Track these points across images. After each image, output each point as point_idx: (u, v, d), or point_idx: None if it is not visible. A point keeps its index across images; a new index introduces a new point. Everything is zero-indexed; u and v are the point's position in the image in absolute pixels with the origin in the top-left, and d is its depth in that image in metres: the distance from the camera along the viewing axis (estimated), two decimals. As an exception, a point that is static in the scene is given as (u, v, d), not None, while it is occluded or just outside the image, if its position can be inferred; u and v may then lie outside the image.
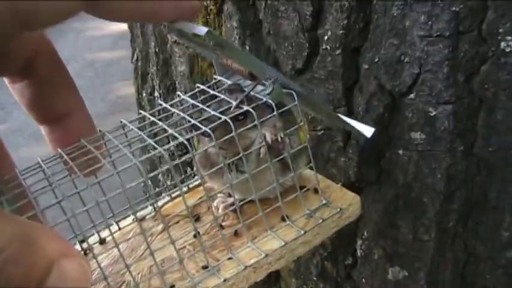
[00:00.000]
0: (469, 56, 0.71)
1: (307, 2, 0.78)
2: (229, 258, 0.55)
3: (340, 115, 0.60)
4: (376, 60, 0.76)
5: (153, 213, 0.67)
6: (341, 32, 0.76)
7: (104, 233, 0.63)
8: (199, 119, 0.54)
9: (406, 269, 0.84)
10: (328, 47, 0.78)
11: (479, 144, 0.75)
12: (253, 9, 0.86)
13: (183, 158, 0.61)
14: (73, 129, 0.54)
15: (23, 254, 0.36)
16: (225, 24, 0.87)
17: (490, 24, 0.69)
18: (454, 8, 0.68)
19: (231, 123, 0.51)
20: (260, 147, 0.57)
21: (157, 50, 1.09)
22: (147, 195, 0.66)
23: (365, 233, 0.85)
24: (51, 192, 0.51)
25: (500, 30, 0.68)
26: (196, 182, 0.70)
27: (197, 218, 0.64)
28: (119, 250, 0.50)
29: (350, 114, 0.79)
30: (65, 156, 0.51)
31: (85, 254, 0.59)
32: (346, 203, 0.61)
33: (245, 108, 0.54)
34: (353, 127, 0.61)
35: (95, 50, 4.72)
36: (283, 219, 0.60)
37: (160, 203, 0.68)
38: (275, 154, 0.57)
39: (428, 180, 0.77)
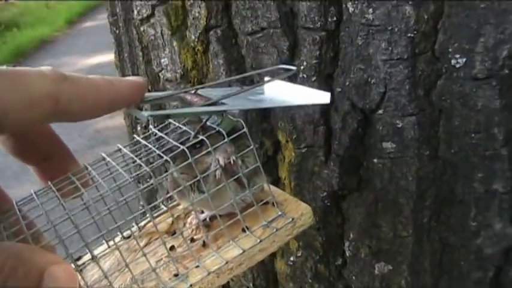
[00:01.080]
0: (426, 74, 0.82)
1: (284, 38, 0.88)
2: (197, 266, 0.62)
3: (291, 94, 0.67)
4: (347, 83, 0.87)
5: (137, 232, 0.76)
6: (315, 61, 0.87)
7: (96, 251, 0.71)
8: (163, 149, 0.64)
9: (390, 264, 0.94)
10: (305, 75, 0.88)
11: (443, 148, 0.86)
12: (236, 47, 0.96)
13: (147, 186, 0.72)
14: (58, 166, 0.62)
15: (18, 268, 0.46)
16: (212, 61, 0.97)
17: (441, 45, 0.80)
18: (409, 34, 0.80)
19: (187, 152, 0.60)
20: (216, 170, 0.65)
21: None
22: (133, 215, 0.73)
23: (351, 235, 0.95)
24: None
25: (450, 50, 0.80)
26: (175, 203, 0.79)
27: (173, 233, 0.73)
28: (101, 268, 0.59)
29: (329, 132, 0.90)
30: (54, 189, 0.59)
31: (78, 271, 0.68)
32: (298, 213, 0.67)
33: (200, 137, 0.63)
34: (309, 99, 0.67)
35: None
36: (243, 231, 0.66)
37: (143, 223, 0.76)
38: (230, 175, 0.65)
39: (401, 183, 0.88)
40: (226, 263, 0.61)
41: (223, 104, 0.63)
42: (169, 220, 0.75)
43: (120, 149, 0.68)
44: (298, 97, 0.66)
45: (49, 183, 0.60)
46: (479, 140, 0.83)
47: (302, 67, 0.88)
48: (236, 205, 0.65)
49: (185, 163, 0.60)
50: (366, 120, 0.87)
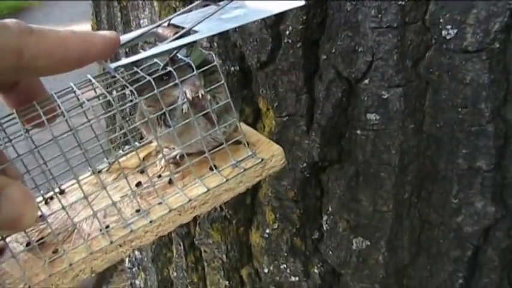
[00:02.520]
0: (415, 44, 0.80)
1: (269, 0, 0.86)
2: (159, 203, 0.62)
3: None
4: (333, 50, 0.85)
5: (107, 167, 0.75)
6: (301, 27, 0.84)
7: (65, 185, 0.71)
8: (131, 80, 0.62)
9: (368, 239, 0.94)
10: (290, 41, 0.86)
11: (428, 122, 0.85)
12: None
13: (107, 112, 0.69)
14: (26, 92, 0.60)
15: None
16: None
17: (432, 15, 0.79)
18: (400, 2, 0.78)
19: (153, 83, 0.57)
20: (183, 104, 0.63)
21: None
22: (103, 150, 0.74)
23: (329, 208, 0.94)
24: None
25: (441, 20, 0.78)
26: (147, 141, 0.77)
27: (142, 171, 0.72)
28: (60, 202, 0.58)
29: (312, 101, 0.88)
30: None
31: (46, 203, 0.68)
32: (269, 155, 0.66)
33: (168, 69, 0.61)
34: (284, 6, 0.64)
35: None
36: (211, 169, 0.65)
37: (113, 159, 0.75)
38: (199, 110, 0.63)
39: (384, 157, 0.86)
40: (189, 200, 0.61)
41: (195, 32, 0.60)
42: (141, 156, 0.74)
43: (90, 80, 0.65)
44: (273, 6, 0.63)
45: (14, 111, 0.59)
46: (466, 115, 0.82)
47: (287, 32, 0.85)
48: (206, 143, 0.64)
49: (150, 94, 0.58)
50: (351, 89, 0.86)
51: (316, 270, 1.01)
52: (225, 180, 0.63)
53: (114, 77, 0.64)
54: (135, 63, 0.62)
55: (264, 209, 0.99)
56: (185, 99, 0.62)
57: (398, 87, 0.82)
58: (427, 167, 0.88)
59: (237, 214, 1.02)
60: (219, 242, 1.06)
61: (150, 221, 0.60)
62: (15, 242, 0.62)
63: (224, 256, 1.07)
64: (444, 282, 0.95)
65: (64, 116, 0.58)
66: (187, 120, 0.62)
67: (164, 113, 0.61)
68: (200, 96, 0.63)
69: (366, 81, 0.84)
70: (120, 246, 0.59)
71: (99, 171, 0.74)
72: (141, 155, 0.76)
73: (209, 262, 1.11)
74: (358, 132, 0.87)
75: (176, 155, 0.73)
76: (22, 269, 0.56)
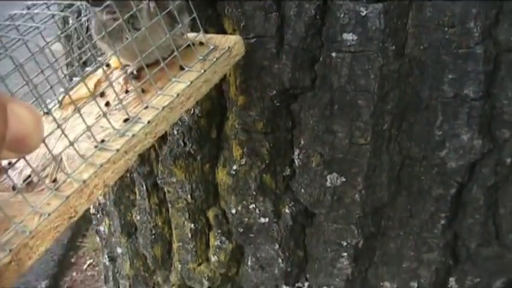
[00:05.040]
0: (397, -48, 0.73)
1: None
2: (146, 108, 0.66)
3: None
4: (306, -39, 0.77)
5: (56, 105, 0.76)
6: None
7: None
8: None
9: (343, 175, 0.88)
10: None
11: (411, 44, 0.78)
12: None
13: (66, 29, 0.68)
14: None
15: None
16: None
17: None
18: None
19: None
20: (149, 2, 0.66)
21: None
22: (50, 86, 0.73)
23: (302, 141, 0.88)
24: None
25: None
26: (91, 69, 0.81)
27: (102, 94, 0.74)
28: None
29: (282, 20, 0.81)
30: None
31: None
32: (231, 43, 0.74)
33: None
34: None
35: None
36: (181, 68, 0.72)
37: (61, 97, 0.77)
38: (162, 9, 0.67)
39: (361, 82, 0.80)
40: (177, 96, 0.67)
41: None
42: (91, 85, 0.76)
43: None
44: None
45: None
46: (453, 36, 0.75)
47: None
48: (165, 47, 0.70)
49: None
50: (326, 6, 0.78)
51: (287, 210, 0.95)
52: (202, 71, 0.70)
53: None
54: None
55: (231, 143, 0.93)
56: None
57: (378, 2, 0.75)
58: (408, 95, 0.81)
59: (202, 149, 0.95)
60: (183, 180, 0.99)
61: (148, 122, 0.64)
62: None
63: (189, 196, 1.01)
64: (425, 223, 0.90)
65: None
66: (155, 19, 0.66)
67: (131, 17, 0.64)
68: None
69: (343, -5, 0.76)
70: (126, 153, 0.62)
71: (48, 112, 0.71)
72: (91, 84, 0.78)
73: (173, 203, 1.05)
74: (333, 54, 0.80)
75: (133, 70, 0.76)
76: (29, 204, 0.56)
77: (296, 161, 0.91)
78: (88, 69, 0.81)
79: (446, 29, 0.75)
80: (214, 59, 0.71)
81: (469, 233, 0.89)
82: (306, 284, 1.02)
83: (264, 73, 0.84)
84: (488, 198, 0.86)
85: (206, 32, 0.84)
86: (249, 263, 1.04)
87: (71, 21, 0.71)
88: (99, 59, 0.83)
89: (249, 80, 0.86)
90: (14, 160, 0.63)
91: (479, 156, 0.82)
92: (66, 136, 0.59)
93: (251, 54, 0.83)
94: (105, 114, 0.63)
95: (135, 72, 0.76)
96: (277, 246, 0.98)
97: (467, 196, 0.87)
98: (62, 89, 0.76)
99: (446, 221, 0.89)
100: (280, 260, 1.00)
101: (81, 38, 0.86)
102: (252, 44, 0.83)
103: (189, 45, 0.73)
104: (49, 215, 0.55)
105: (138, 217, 1.14)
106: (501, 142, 0.81)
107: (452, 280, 0.95)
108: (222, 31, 0.85)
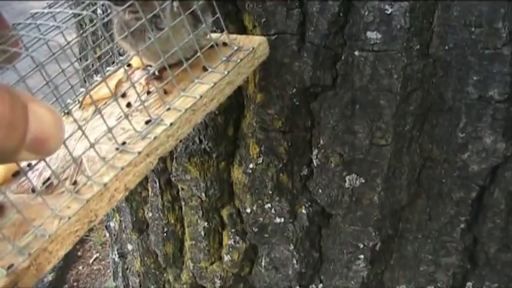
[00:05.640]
0: (424, -50, 0.71)
1: None
2: (168, 109, 0.66)
3: None
4: (331, -43, 0.75)
5: (77, 106, 0.76)
6: None
7: None
8: None
9: (363, 176, 0.87)
10: None
11: (435, 43, 0.76)
12: None
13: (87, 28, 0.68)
14: None
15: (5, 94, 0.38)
16: None
17: None
18: None
19: None
20: (173, 2, 0.65)
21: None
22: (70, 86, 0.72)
23: (321, 141, 0.87)
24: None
25: None
26: (112, 69, 0.81)
27: (123, 95, 0.74)
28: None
29: (304, 16, 0.79)
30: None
31: None
32: (256, 44, 0.73)
33: None
34: None
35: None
36: (204, 69, 0.71)
37: (81, 97, 0.76)
38: (186, 8, 0.66)
39: (384, 82, 0.78)
40: (200, 97, 0.66)
41: None
42: (112, 85, 0.76)
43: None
44: None
45: None
46: (479, 36, 0.74)
47: None
48: (188, 47, 0.70)
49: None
50: (349, 3, 0.77)
51: (304, 211, 0.94)
52: (226, 73, 0.69)
53: None
54: None
55: (248, 142, 0.91)
56: None
57: (404, 0, 0.73)
58: (432, 96, 0.80)
59: (218, 147, 0.94)
60: (197, 178, 0.98)
61: (171, 124, 0.63)
62: (14, 194, 0.63)
63: (203, 194, 0.99)
64: (444, 227, 0.89)
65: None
66: (178, 19, 0.65)
67: (154, 16, 0.63)
68: None
69: (367, -7, 0.75)
70: (147, 156, 0.62)
71: (68, 112, 0.72)
72: (112, 84, 0.77)
73: (187, 201, 1.04)
74: (356, 53, 0.78)
75: (155, 71, 0.75)
76: (49, 206, 0.56)
77: (314, 161, 0.89)
78: (109, 69, 0.81)
79: (472, 29, 0.73)
80: (238, 60, 0.70)
81: (489, 237, 0.88)
82: (320, 285, 1.01)
83: (284, 71, 0.83)
84: (510, 202, 0.84)
85: (226, 28, 0.83)
86: (263, 263, 1.03)
87: (88, 21, 0.70)
88: (121, 58, 0.82)
89: (268, 77, 0.84)
90: (33, 162, 0.62)
91: (502, 160, 0.81)
92: (87, 137, 0.59)
93: (271, 51, 0.82)
94: (127, 116, 0.62)
95: (156, 73, 0.75)
96: (292, 246, 0.97)
97: (488, 200, 0.85)
98: (82, 89, 0.76)
99: (466, 224, 0.87)
100: (294, 261, 0.98)
101: (98, 36, 0.86)
102: (273, 40, 0.81)
103: (212, 46, 0.72)
104: (69, 218, 0.55)
105: (150, 214, 1.13)
106: (525, 146, 0.80)
107: (469, 285, 0.94)
108: (242, 27, 0.84)
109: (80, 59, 0.99)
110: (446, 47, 0.76)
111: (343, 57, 0.80)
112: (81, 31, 0.67)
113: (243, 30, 0.84)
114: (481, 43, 0.74)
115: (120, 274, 1.37)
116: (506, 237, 0.87)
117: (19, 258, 0.52)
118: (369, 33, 0.76)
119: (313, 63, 0.81)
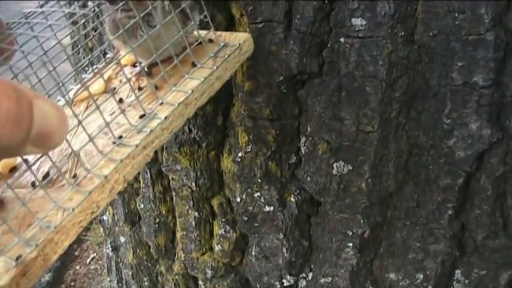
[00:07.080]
0: None
1: None
2: (161, 104, 0.68)
3: None
4: None
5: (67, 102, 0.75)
6: None
7: None
8: None
9: (350, 163, 0.88)
10: None
11: (420, 30, 0.77)
12: None
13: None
14: None
15: (10, 90, 0.40)
16: None
17: None
18: None
19: None
20: (164, 0, 0.67)
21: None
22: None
23: (308, 128, 0.88)
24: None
25: None
26: (101, 67, 0.82)
27: (114, 89, 0.76)
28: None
29: (290, 4, 0.80)
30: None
31: None
32: (241, 40, 0.76)
33: None
34: None
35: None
36: (193, 65, 0.73)
37: (71, 93, 0.78)
38: (176, 6, 0.69)
39: (370, 68, 0.79)
40: (192, 92, 0.68)
41: None
42: (101, 81, 0.77)
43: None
44: None
45: None
46: (463, 22, 0.75)
47: None
48: (177, 44, 0.72)
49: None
50: (335, -10, 0.78)
51: (292, 199, 0.95)
52: (215, 68, 0.71)
53: None
54: None
55: (237, 130, 0.92)
56: None
57: (388, -13, 0.74)
58: (417, 82, 0.81)
59: (208, 136, 0.95)
60: (187, 168, 0.99)
61: (165, 118, 0.66)
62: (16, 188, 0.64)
63: (193, 184, 1.00)
64: (432, 213, 0.89)
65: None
66: (169, 17, 0.68)
67: (146, 15, 0.65)
68: None
69: (352, -21, 0.76)
70: (144, 148, 0.64)
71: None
72: (101, 81, 0.78)
73: (177, 191, 1.05)
74: (342, 40, 0.79)
75: (144, 67, 0.77)
76: (52, 199, 0.58)
77: (302, 149, 0.90)
78: (98, 66, 0.82)
79: (456, 14, 0.74)
80: (226, 56, 0.73)
81: (476, 224, 0.89)
82: (310, 274, 1.02)
83: (271, 59, 0.84)
84: (496, 188, 0.85)
85: (213, 19, 0.85)
86: (253, 253, 1.04)
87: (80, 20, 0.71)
88: (109, 55, 0.84)
89: (255, 65, 0.85)
90: (30, 159, 0.63)
91: (487, 146, 0.82)
92: (86, 132, 0.61)
93: (258, 40, 0.83)
94: (123, 111, 0.65)
95: (146, 69, 0.78)
96: (281, 235, 0.98)
97: (475, 186, 0.86)
98: (71, 86, 0.79)
99: (454, 211, 0.88)
100: (284, 250, 0.99)
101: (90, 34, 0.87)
102: (260, 29, 0.83)
103: (200, 43, 0.76)
104: (73, 210, 0.57)
105: (142, 205, 1.14)
106: (510, 131, 0.80)
107: (458, 272, 0.95)
108: (230, 16, 0.85)
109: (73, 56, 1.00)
110: (431, 34, 0.77)
111: (329, 45, 0.81)
112: (76, 30, 0.69)
113: (230, 20, 0.86)
114: (464, 29, 0.75)
115: (114, 268, 1.38)
116: (494, 224, 0.88)
117: (26, 249, 0.54)
118: (354, 20, 0.77)
119: (300, 50, 0.82)
